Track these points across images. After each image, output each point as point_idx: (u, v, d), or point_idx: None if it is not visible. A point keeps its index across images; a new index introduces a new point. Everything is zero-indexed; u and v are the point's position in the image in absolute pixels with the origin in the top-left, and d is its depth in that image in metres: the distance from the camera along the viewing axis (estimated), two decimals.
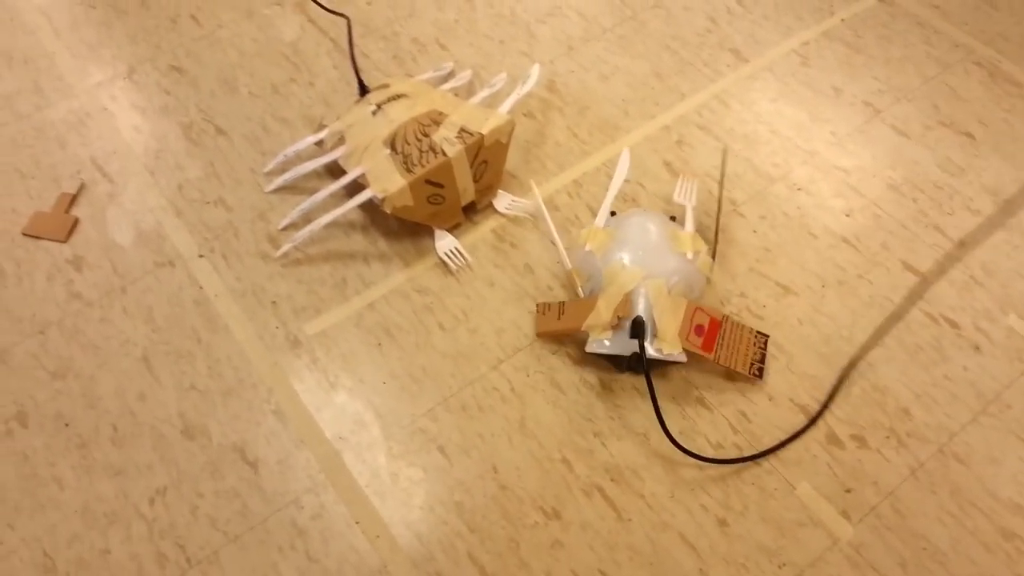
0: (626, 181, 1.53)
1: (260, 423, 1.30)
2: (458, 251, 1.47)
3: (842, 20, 1.81)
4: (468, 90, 1.69)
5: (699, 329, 1.29)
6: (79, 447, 1.28)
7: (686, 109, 1.66)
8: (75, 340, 1.39)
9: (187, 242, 1.50)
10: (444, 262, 1.45)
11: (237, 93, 1.70)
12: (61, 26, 1.83)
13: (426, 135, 1.44)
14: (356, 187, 1.46)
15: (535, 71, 1.60)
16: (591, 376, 1.33)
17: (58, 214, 1.53)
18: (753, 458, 1.24)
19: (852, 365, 1.33)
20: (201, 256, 1.48)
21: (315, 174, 1.58)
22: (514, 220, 1.51)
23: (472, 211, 1.52)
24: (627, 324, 1.26)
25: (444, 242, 1.48)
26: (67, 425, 1.30)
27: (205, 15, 1.84)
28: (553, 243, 1.46)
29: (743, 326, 1.35)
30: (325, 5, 1.53)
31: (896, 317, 1.39)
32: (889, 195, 1.54)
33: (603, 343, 1.28)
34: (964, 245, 1.47)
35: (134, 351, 1.38)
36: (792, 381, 1.32)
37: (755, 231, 1.50)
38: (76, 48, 1.79)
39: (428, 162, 1.41)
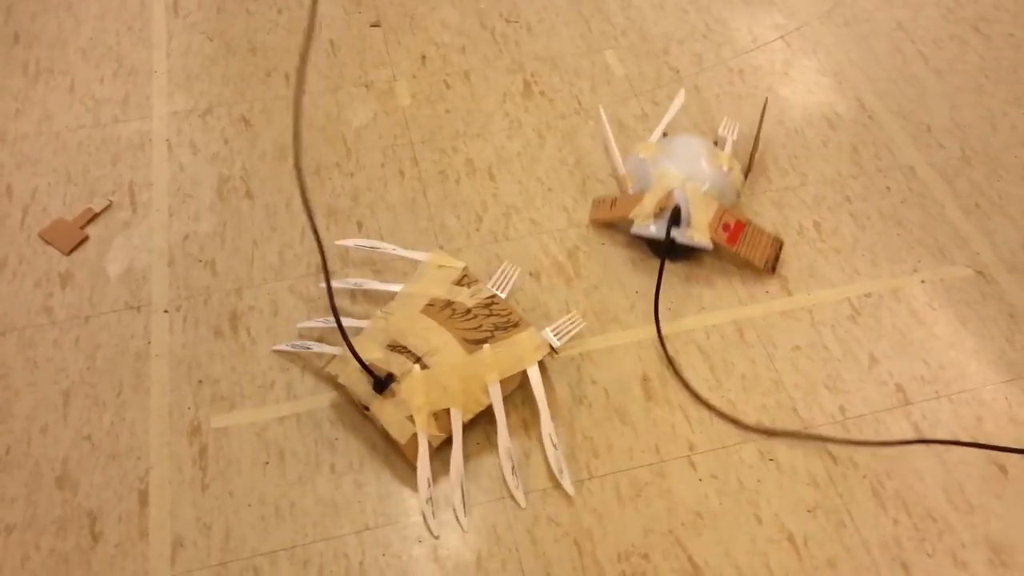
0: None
1: (123, 499, 1.31)
2: None
3: (922, 281, 1.59)
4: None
5: (726, 227, 1.56)
6: None
7: (688, 327, 1.52)
8: (23, 353, 1.46)
9: (162, 293, 1.54)
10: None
11: (284, 162, 1.74)
12: (176, 48, 1.95)
13: (468, 312, 1.43)
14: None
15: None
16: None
17: (74, 227, 1.62)
18: None
19: None
20: (166, 312, 1.52)
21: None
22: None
23: None
24: (667, 215, 1.54)
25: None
26: None
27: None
28: (610, 153, 1.73)
29: (764, 231, 1.60)
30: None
31: None
32: (869, 504, 1.33)
33: (647, 227, 1.56)
34: None
35: (63, 383, 1.43)
36: None
37: (700, 480, 1.34)
38: (177, 73, 1.89)
39: (505, 310, 1.45)
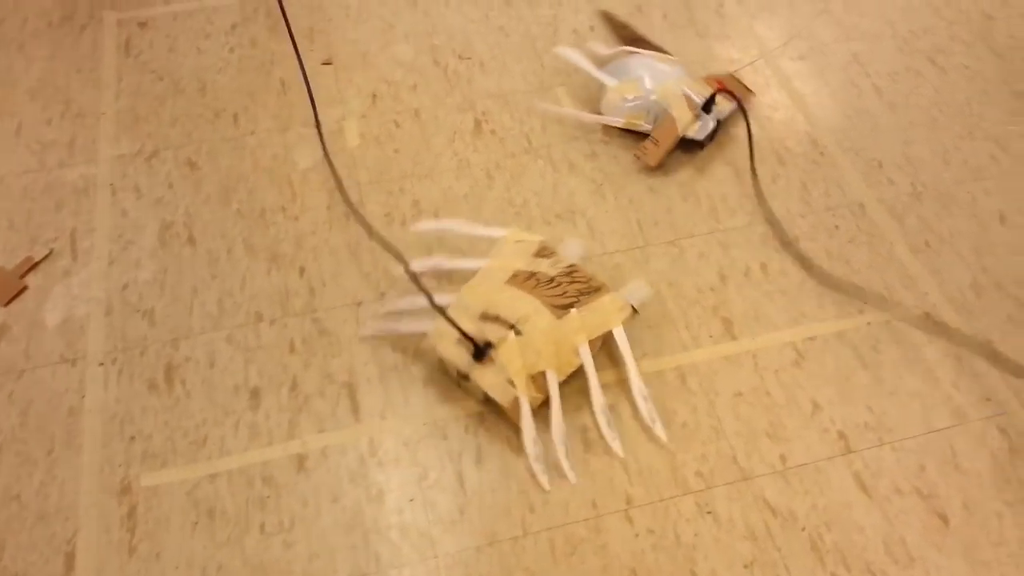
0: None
1: (49, 562, 1.29)
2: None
3: (868, 324, 1.57)
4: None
5: (721, 90, 1.82)
6: None
7: (633, 374, 1.50)
8: None
9: (98, 345, 1.52)
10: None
11: (228, 206, 1.72)
12: (125, 89, 1.94)
13: (551, 280, 1.49)
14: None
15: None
16: None
17: (12, 277, 1.60)
18: None
19: None
20: (101, 364, 1.50)
21: None
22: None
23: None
24: (700, 112, 1.77)
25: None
26: None
27: (247, 117, 1.88)
28: (598, 120, 1.85)
29: (731, 76, 1.90)
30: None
31: None
32: (807, 558, 1.31)
33: (706, 126, 1.77)
34: None
35: None
36: None
37: (636, 535, 1.32)
38: (124, 115, 1.88)
39: (585, 276, 1.51)
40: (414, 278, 1.49)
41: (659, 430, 1.41)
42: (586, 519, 1.34)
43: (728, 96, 1.83)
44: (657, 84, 1.79)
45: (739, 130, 1.86)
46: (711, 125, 1.78)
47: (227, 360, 1.51)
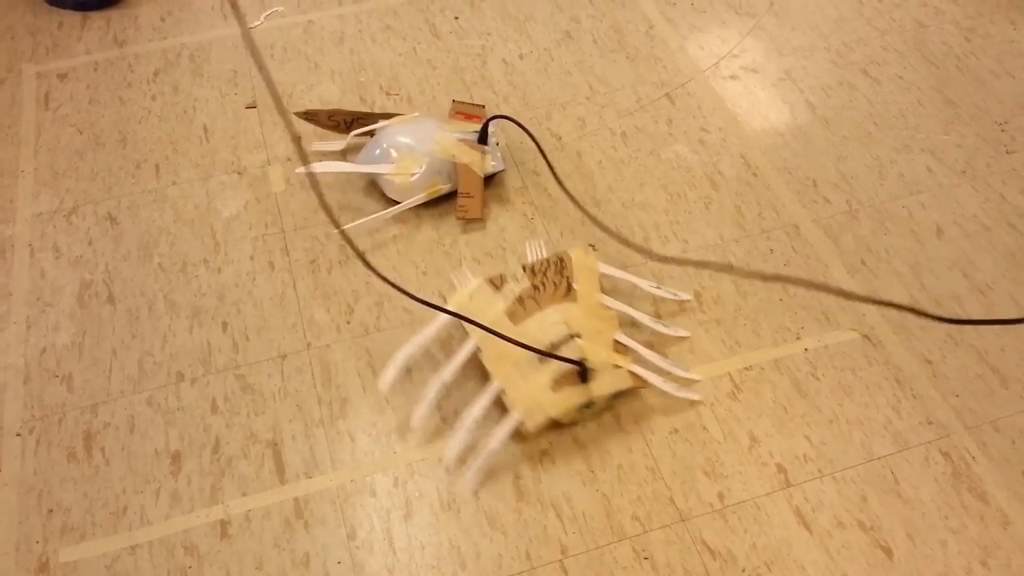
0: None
1: None
2: None
3: (805, 350, 1.54)
4: None
5: (475, 118, 1.81)
6: None
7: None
8: None
9: (15, 415, 1.47)
10: None
11: (149, 261, 1.68)
12: (44, 143, 1.89)
13: (535, 288, 1.55)
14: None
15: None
16: None
17: None
18: None
19: None
20: (18, 435, 1.45)
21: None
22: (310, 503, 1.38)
23: None
24: (482, 147, 1.76)
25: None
26: None
27: (168, 167, 1.84)
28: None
29: (462, 103, 1.87)
30: None
31: None
32: None
33: (496, 162, 1.76)
34: None
35: None
36: None
37: (566, 572, 1.29)
38: (43, 171, 1.83)
39: (544, 262, 1.60)
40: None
41: (683, 295, 1.59)
42: (520, 573, 1.30)
43: (477, 119, 1.80)
44: (428, 143, 1.71)
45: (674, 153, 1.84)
46: (498, 153, 1.76)
47: (147, 424, 1.46)
